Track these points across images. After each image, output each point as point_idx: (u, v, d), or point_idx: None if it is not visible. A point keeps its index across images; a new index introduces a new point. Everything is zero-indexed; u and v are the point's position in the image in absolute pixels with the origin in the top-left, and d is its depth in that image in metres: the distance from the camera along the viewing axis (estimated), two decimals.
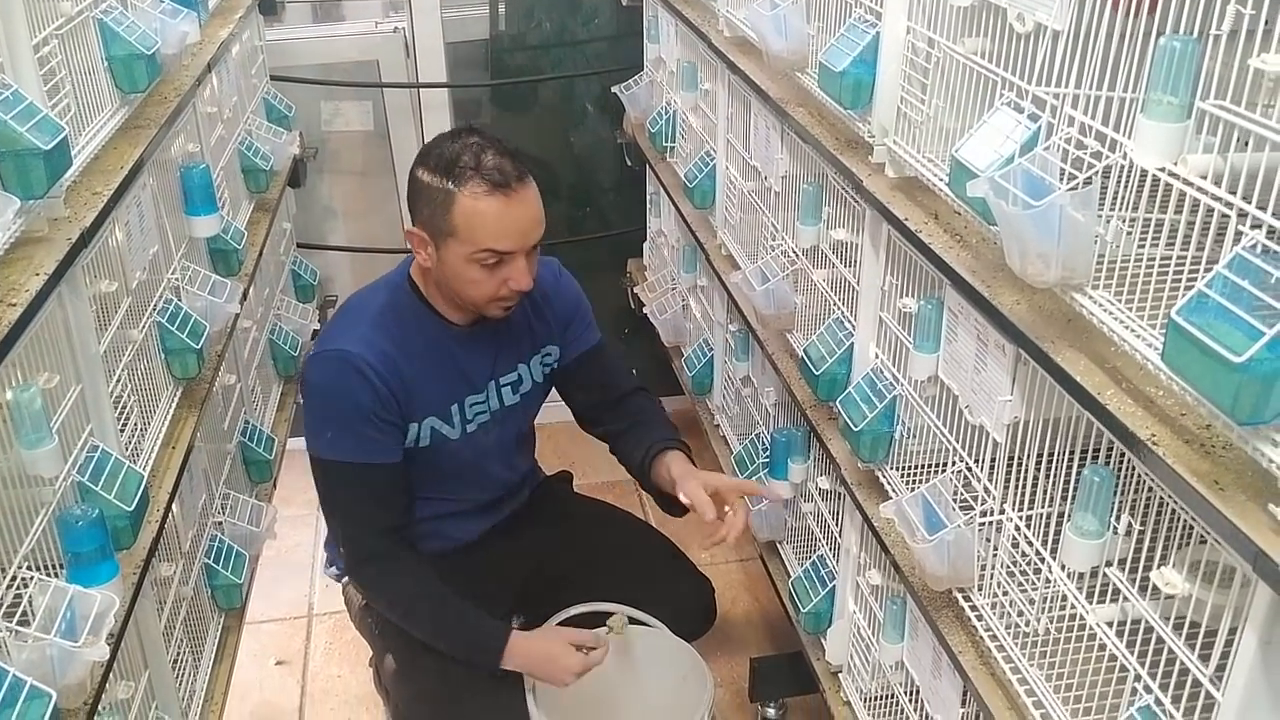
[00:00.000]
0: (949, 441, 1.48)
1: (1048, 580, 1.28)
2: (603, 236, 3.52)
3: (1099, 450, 1.22)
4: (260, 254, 2.49)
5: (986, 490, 1.38)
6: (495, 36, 3.32)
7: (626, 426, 2.05)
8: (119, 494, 1.45)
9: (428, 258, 1.82)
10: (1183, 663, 1.05)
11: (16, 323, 1.22)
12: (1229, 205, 0.91)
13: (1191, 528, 1.03)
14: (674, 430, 2.05)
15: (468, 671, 1.90)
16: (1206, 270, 0.88)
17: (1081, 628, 1.27)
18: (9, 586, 1.24)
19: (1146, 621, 1.12)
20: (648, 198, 3.27)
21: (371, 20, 3.25)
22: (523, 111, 3.48)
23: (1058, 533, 1.25)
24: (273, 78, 3.06)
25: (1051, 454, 1.29)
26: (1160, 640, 1.09)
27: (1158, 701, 1.08)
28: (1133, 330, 1.03)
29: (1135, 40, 1.05)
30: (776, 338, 2.10)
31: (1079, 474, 1.18)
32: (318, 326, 2.98)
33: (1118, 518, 1.17)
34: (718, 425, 2.69)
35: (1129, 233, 1.11)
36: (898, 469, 1.65)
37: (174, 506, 1.76)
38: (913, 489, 1.49)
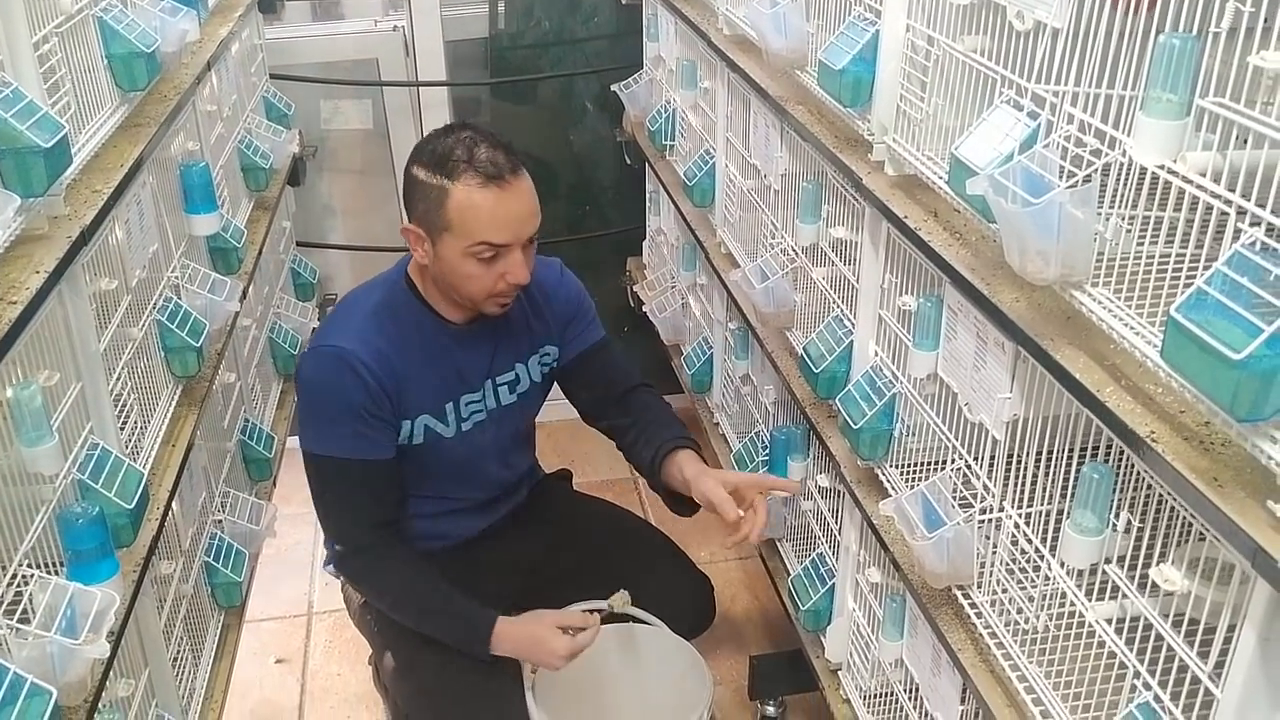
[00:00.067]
0: (948, 439, 1.48)
1: (1047, 577, 1.28)
2: (602, 235, 3.52)
3: (1098, 447, 1.22)
4: (260, 252, 2.49)
5: (986, 488, 1.38)
6: (495, 35, 3.32)
7: (631, 423, 2.04)
8: (119, 492, 1.46)
9: (424, 254, 1.82)
10: (1182, 660, 1.05)
11: (17, 320, 1.23)
12: (1228, 202, 0.91)
13: (1191, 525, 1.03)
14: (682, 427, 2.04)
15: (467, 669, 1.90)
16: (1206, 268, 0.88)
17: (1081, 625, 1.27)
18: (10, 584, 1.24)
19: (1146, 618, 1.12)
20: (647, 196, 3.27)
21: (371, 18, 3.25)
22: (522, 110, 3.48)
23: (1057, 530, 1.25)
24: (272, 76, 3.06)
25: (1051, 451, 1.29)
26: (1159, 637, 1.09)
27: (1157, 698, 1.08)
28: (1132, 327, 1.03)
29: (1134, 38, 1.05)
30: (776, 336, 2.10)
31: (1078, 471, 1.18)
32: (317, 325, 2.98)
33: (1117, 515, 1.17)
34: (717, 423, 2.70)
35: (1128, 230, 1.12)
36: (897, 467, 1.65)
37: (174, 504, 1.76)
38: (912, 487, 1.49)
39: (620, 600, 1.93)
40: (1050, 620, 1.32)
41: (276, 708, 2.53)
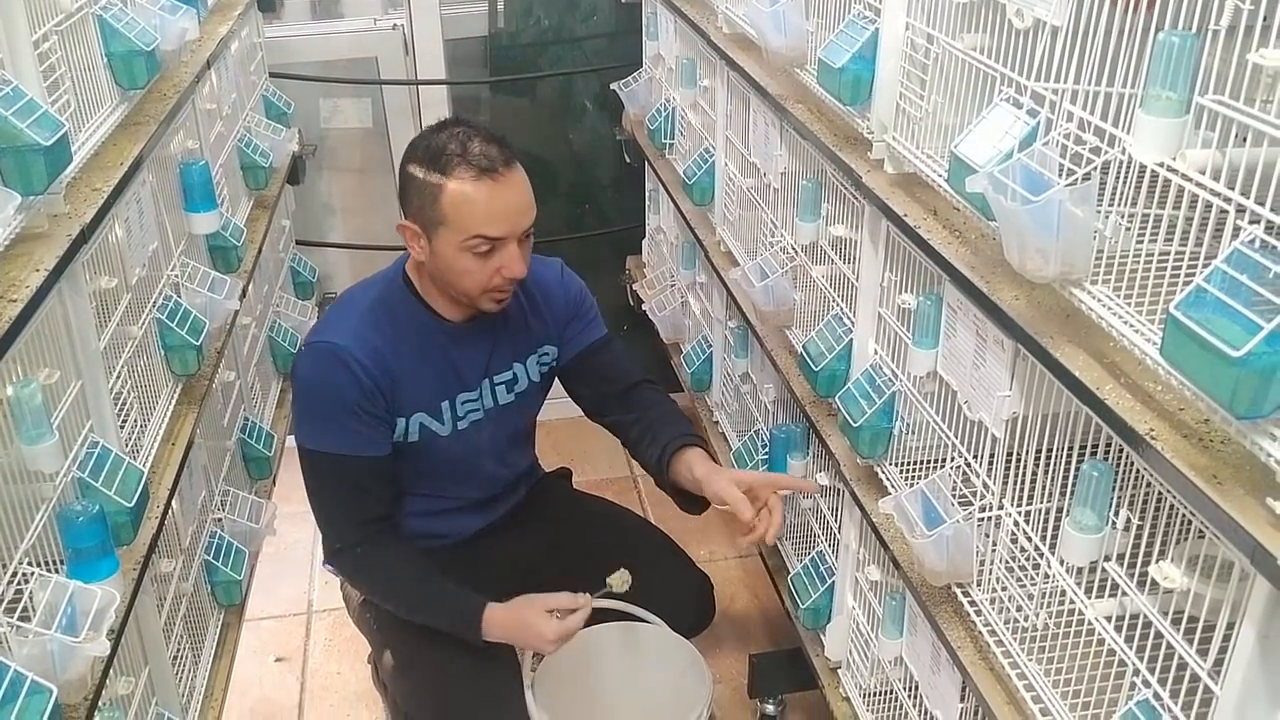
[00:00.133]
0: (948, 437, 1.48)
1: (1046, 575, 1.29)
2: (602, 233, 3.52)
3: (1097, 445, 1.22)
4: (259, 251, 2.49)
5: (985, 486, 1.38)
6: (494, 33, 3.32)
7: (635, 420, 2.04)
8: (119, 490, 1.46)
9: (421, 250, 1.82)
10: (1181, 657, 1.05)
11: (17, 319, 1.23)
12: (1227, 200, 0.91)
13: (1190, 522, 1.03)
14: (688, 424, 2.04)
15: (466, 667, 1.90)
16: (1205, 265, 0.88)
17: (1080, 622, 1.27)
18: (10, 582, 1.24)
19: (1145, 616, 1.12)
20: (647, 194, 3.27)
21: (370, 17, 3.25)
22: (522, 108, 3.48)
23: (1056, 528, 1.25)
24: (271, 75, 3.06)
25: (1050, 449, 1.29)
26: (1159, 635, 1.09)
27: (1156, 696, 1.08)
28: (1131, 325, 1.03)
29: (1134, 35, 1.05)
30: (775, 334, 2.10)
31: (1078, 469, 1.18)
32: None
33: (1116, 512, 1.17)
34: (717, 422, 2.70)
35: (1128, 228, 1.12)
36: (897, 465, 1.65)
37: (174, 503, 1.76)
38: (912, 485, 1.49)
39: (619, 580, 1.91)
40: (1050, 618, 1.32)
41: (276, 706, 2.53)
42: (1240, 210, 0.90)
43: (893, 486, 1.63)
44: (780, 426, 2.14)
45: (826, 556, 2.01)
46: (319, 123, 3.30)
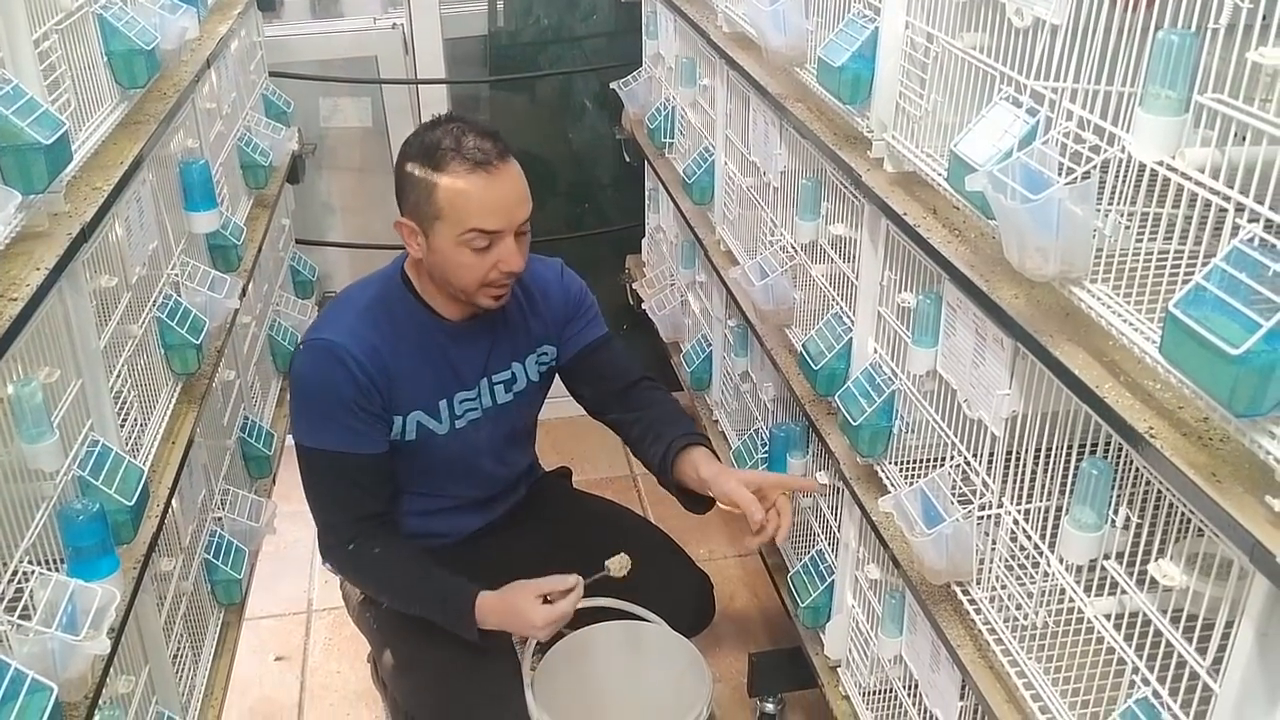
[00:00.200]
0: (947, 436, 1.48)
1: (1046, 573, 1.29)
2: (601, 232, 3.52)
3: (1097, 443, 1.22)
4: (259, 250, 2.49)
5: (985, 484, 1.39)
6: (494, 32, 3.32)
7: (636, 419, 2.04)
8: (119, 489, 1.46)
9: (418, 247, 1.83)
10: (1180, 655, 1.05)
11: (17, 317, 1.23)
12: (1226, 199, 0.91)
13: (1189, 520, 1.04)
14: (690, 422, 2.04)
15: (466, 666, 1.90)
16: (1204, 264, 0.88)
17: (1079, 620, 1.27)
18: (10, 581, 1.24)
19: (1144, 614, 1.12)
20: (646, 193, 3.27)
21: (370, 16, 3.26)
22: (521, 108, 3.48)
23: (1056, 526, 1.25)
24: (271, 74, 3.06)
25: (1050, 448, 1.29)
26: (1158, 633, 1.09)
27: (1155, 694, 1.08)
28: (1131, 324, 1.03)
29: (1133, 34, 1.05)
30: (775, 333, 2.10)
31: (1077, 467, 1.18)
32: None
33: (1116, 510, 1.17)
34: (716, 420, 2.70)
35: (1127, 226, 1.12)
36: (896, 463, 1.65)
37: (174, 502, 1.76)
38: (911, 483, 1.49)
39: (618, 564, 1.89)
40: (1049, 616, 1.32)
41: (276, 705, 2.53)
42: (1239, 208, 0.90)
43: (892, 485, 1.63)
44: (780, 425, 2.14)
45: (826, 555, 2.01)
46: (319, 122, 3.31)
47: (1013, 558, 1.36)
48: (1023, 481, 1.33)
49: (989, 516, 1.38)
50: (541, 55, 3.39)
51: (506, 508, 2.15)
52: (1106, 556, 1.18)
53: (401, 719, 2.18)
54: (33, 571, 1.27)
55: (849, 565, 1.89)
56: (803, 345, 1.86)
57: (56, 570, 1.32)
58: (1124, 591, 1.15)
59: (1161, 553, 1.09)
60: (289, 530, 2.72)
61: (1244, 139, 0.90)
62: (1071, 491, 1.19)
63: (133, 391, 1.69)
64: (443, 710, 1.95)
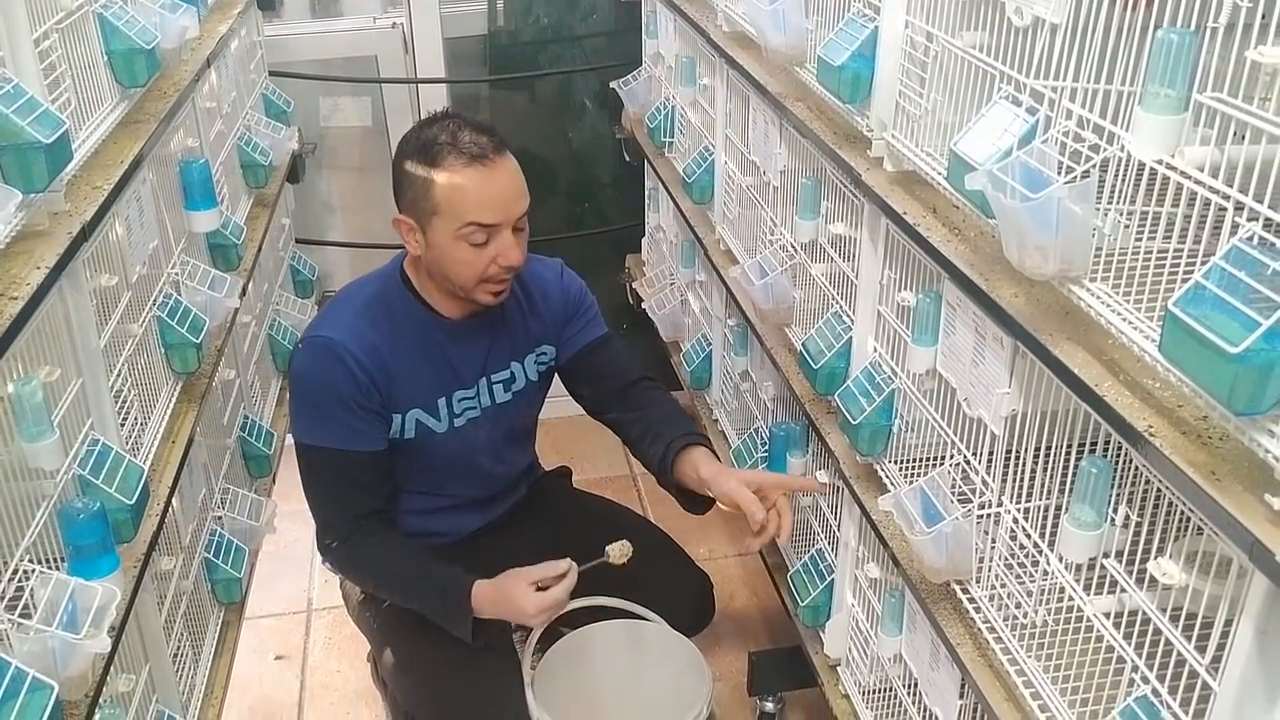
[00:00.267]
0: (947, 434, 1.48)
1: (1045, 572, 1.29)
2: (601, 232, 3.53)
3: (1096, 442, 1.23)
4: (259, 249, 2.49)
5: (984, 483, 1.39)
6: (494, 32, 3.32)
7: (635, 419, 2.04)
8: (120, 487, 1.46)
9: (417, 244, 1.83)
10: (1180, 653, 1.06)
11: (18, 316, 1.23)
12: (1226, 197, 0.92)
13: (1189, 518, 1.04)
14: (690, 422, 2.03)
15: (466, 664, 1.90)
16: (1204, 262, 0.88)
17: (1079, 619, 1.27)
18: (11, 579, 1.24)
19: (1144, 612, 1.12)
20: (646, 193, 3.27)
21: (370, 15, 3.26)
22: (521, 107, 3.48)
23: (1055, 525, 1.25)
24: (271, 73, 3.06)
25: (1049, 446, 1.29)
26: (1157, 631, 1.09)
27: (1155, 692, 1.08)
28: (1130, 322, 1.03)
29: (1133, 33, 1.05)
30: (775, 332, 2.10)
31: (1077, 466, 1.18)
32: None
33: (1115, 509, 1.17)
34: (716, 420, 2.70)
35: (1127, 225, 1.12)
36: (896, 462, 1.66)
37: (174, 501, 1.76)
38: (911, 482, 1.50)
39: (619, 551, 1.89)
40: (1049, 615, 1.32)
41: (276, 704, 2.53)
42: (1239, 207, 0.90)
43: (892, 484, 1.63)
44: (780, 424, 2.14)
45: (826, 554, 2.01)
46: (319, 121, 3.31)
47: (1012, 556, 1.36)
48: (1022, 480, 1.33)
49: (988, 515, 1.38)
50: (541, 54, 3.39)
51: (506, 507, 2.15)
52: (1106, 555, 1.18)
53: (401, 718, 2.18)
54: (33, 570, 1.27)
55: (849, 564, 1.89)
56: (802, 344, 1.86)
57: (57, 569, 1.32)
58: (1123, 590, 1.16)
59: (1161, 551, 1.09)
60: (289, 529, 2.72)
61: (1243, 138, 0.90)
62: (1071, 490, 1.19)
63: (133, 390, 1.69)
64: (443, 709, 1.95)
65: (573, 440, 3.11)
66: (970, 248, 1.35)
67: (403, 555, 1.91)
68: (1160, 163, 0.99)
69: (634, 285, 3.24)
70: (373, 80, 3.24)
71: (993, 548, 1.38)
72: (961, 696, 1.49)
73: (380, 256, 3.07)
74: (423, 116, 1.86)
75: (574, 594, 1.93)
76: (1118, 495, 1.18)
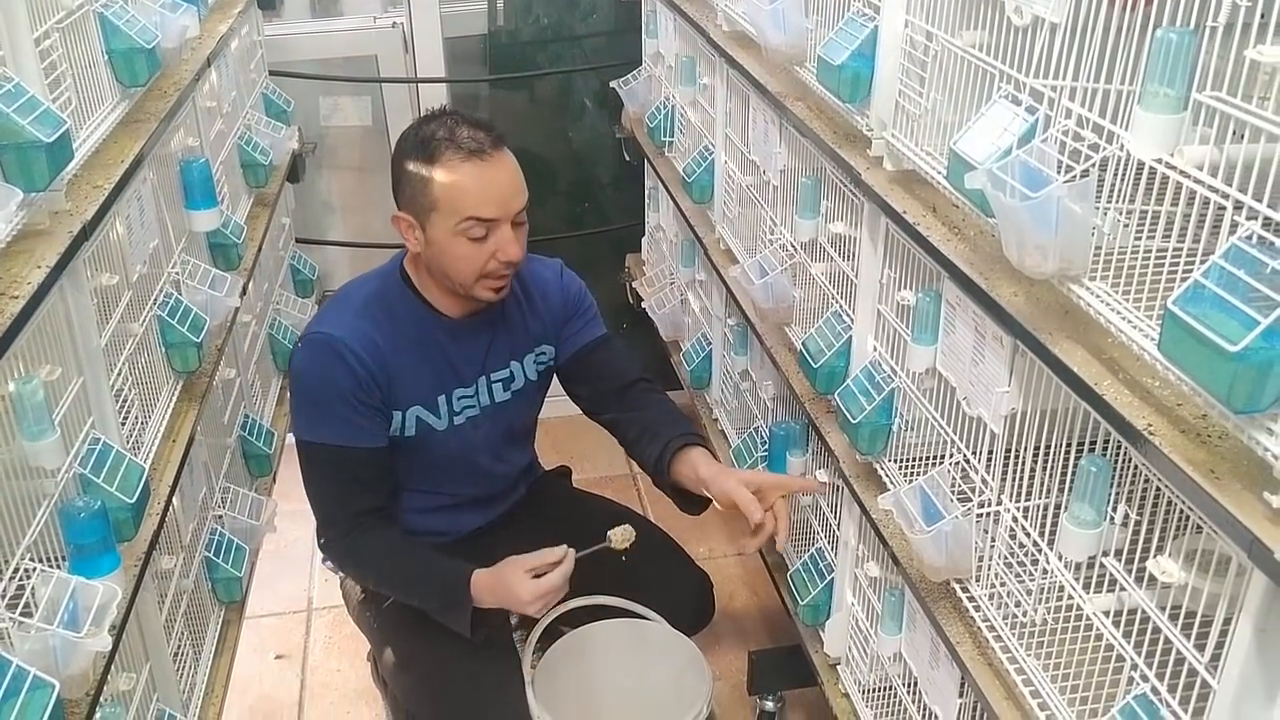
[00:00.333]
0: (947, 433, 1.48)
1: (1045, 570, 1.29)
2: (601, 231, 3.53)
3: (1095, 441, 1.23)
4: (260, 249, 2.49)
5: (984, 481, 1.39)
6: (494, 31, 3.32)
7: (632, 419, 2.04)
8: (120, 486, 1.46)
9: (416, 241, 1.83)
10: (1179, 651, 1.06)
11: (19, 315, 1.23)
12: (1225, 196, 0.92)
13: (1188, 517, 1.04)
14: (688, 423, 2.04)
15: (467, 663, 1.90)
16: (1203, 261, 0.88)
17: (1078, 617, 1.27)
18: (12, 578, 1.24)
19: (1143, 610, 1.12)
20: (646, 192, 3.27)
21: (370, 15, 3.26)
22: (521, 107, 3.48)
23: (1055, 523, 1.25)
24: (271, 73, 3.06)
25: (1049, 445, 1.30)
26: (1157, 629, 1.09)
27: (1154, 690, 1.08)
28: (1129, 321, 1.04)
29: (1132, 32, 1.05)
30: (775, 331, 2.10)
31: (1076, 464, 1.18)
32: None
33: (1114, 508, 1.17)
34: (716, 419, 2.70)
35: (1126, 224, 1.12)
36: (896, 461, 1.66)
37: (175, 500, 1.76)
38: (911, 481, 1.50)
39: (621, 536, 1.88)
40: (1048, 613, 1.32)
41: (276, 703, 2.53)
42: (1238, 206, 0.90)
43: (892, 483, 1.64)
44: (780, 424, 2.14)
45: (825, 553, 2.01)
46: (319, 121, 3.31)
47: (1012, 555, 1.37)
48: (1022, 479, 1.33)
49: (988, 514, 1.38)
50: (541, 54, 3.40)
51: (506, 506, 2.15)
52: (1105, 553, 1.18)
53: (402, 717, 2.19)
54: (34, 569, 1.27)
55: (848, 563, 1.89)
56: (802, 343, 1.86)
57: (58, 567, 1.32)
58: (1123, 588, 1.16)
59: (1160, 549, 1.09)
60: (289, 529, 2.72)
61: (1242, 136, 0.90)
62: (1070, 488, 1.19)
63: (134, 389, 1.69)
64: (443, 708, 1.95)
65: (572, 440, 3.12)
66: (970, 247, 1.35)
67: (402, 550, 1.91)
68: (1160, 161, 0.99)
69: (634, 285, 3.24)
70: (373, 80, 3.24)
71: (992, 546, 1.39)
72: (961, 695, 1.49)
73: (380, 256, 3.07)
74: (422, 114, 1.87)
75: (576, 588, 1.93)
76: (1117, 494, 1.18)
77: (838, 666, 1.98)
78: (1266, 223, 0.86)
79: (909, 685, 1.71)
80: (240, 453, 2.43)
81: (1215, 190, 0.93)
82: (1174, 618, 1.08)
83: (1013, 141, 1.14)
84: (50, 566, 1.30)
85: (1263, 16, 0.88)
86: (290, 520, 2.59)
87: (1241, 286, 0.83)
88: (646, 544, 2.18)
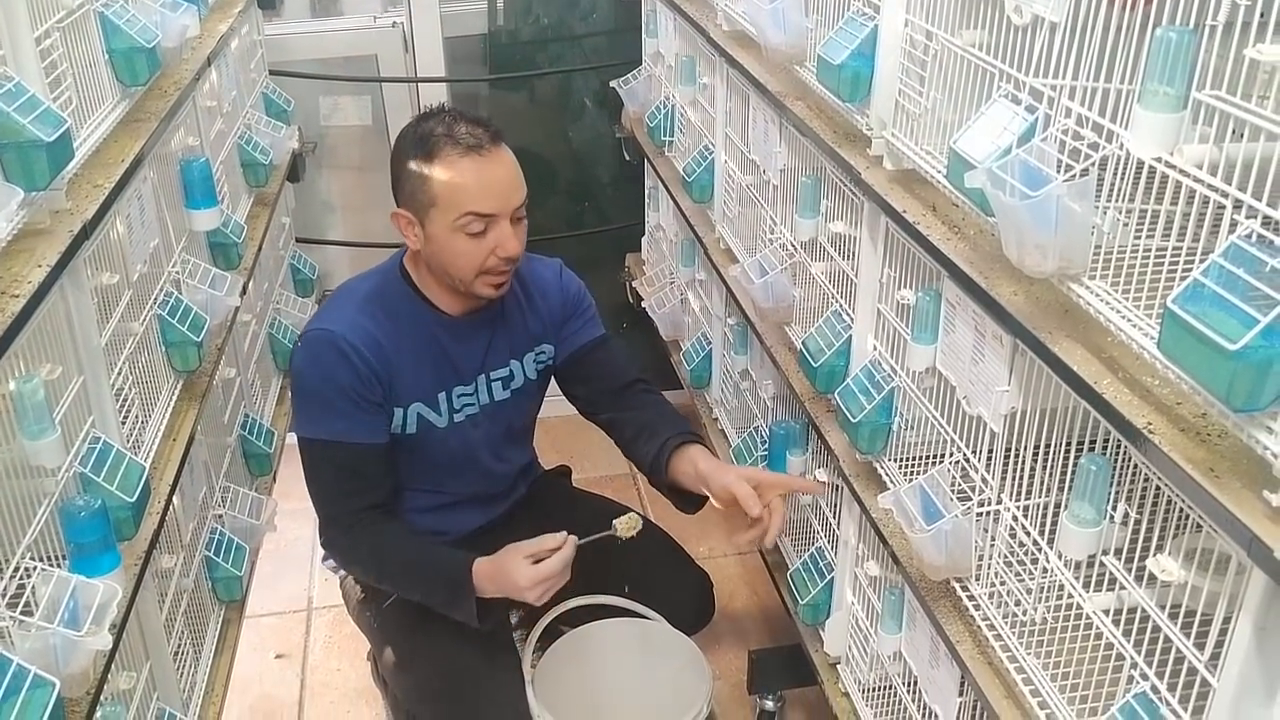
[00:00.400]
0: (947, 432, 1.48)
1: (1045, 569, 1.29)
2: (601, 231, 3.53)
3: (1095, 439, 1.23)
4: (260, 248, 2.49)
5: (984, 480, 1.39)
6: (494, 31, 3.32)
7: (629, 419, 2.04)
8: (121, 485, 1.46)
9: (415, 238, 1.83)
10: (1179, 650, 1.06)
11: (19, 314, 1.23)
12: (1224, 195, 0.92)
13: (1188, 515, 1.04)
14: (685, 422, 2.04)
15: (467, 663, 1.90)
16: (1202, 260, 0.88)
17: (1078, 616, 1.27)
18: (13, 577, 1.25)
19: (1143, 609, 1.12)
20: (646, 192, 3.27)
21: (370, 14, 3.26)
22: (521, 106, 3.48)
23: (1055, 522, 1.26)
24: (272, 72, 3.06)
25: (1048, 444, 1.30)
26: (1157, 628, 1.09)
27: (1154, 689, 1.08)
28: (1129, 320, 1.04)
29: (1132, 31, 1.05)
30: (775, 331, 2.10)
31: (1076, 463, 1.18)
32: None
33: (1114, 506, 1.17)
34: (716, 418, 2.70)
35: (1125, 223, 1.12)
36: (896, 460, 1.66)
37: (175, 499, 1.77)
38: (910, 480, 1.50)
39: (626, 524, 1.88)
40: (1048, 612, 1.33)
41: (276, 703, 2.54)
42: (1237, 205, 0.90)
43: (892, 482, 1.64)
44: (780, 423, 2.15)
45: (825, 552, 2.01)
46: (319, 120, 3.31)
47: (1012, 554, 1.37)
48: (1022, 478, 1.33)
49: (988, 513, 1.38)
50: (541, 54, 3.40)
51: (506, 506, 2.15)
52: (1105, 552, 1.18)
53: (402, 716, 2.19)
54: (35, 567, 1.27)
55: (848, 562, 1.89)
56: (802, 343, 1.86)
57: (58, 566, 1.32)
58: (1122, 587, 1.16)
59: (1160, 548, 1.09)
60: (289, 528, 2.73)
61: (1242, 135, 0.90)
62: (1070, 487, 1.19)
63: (134, 389, 1.69)
64: (443, 707, 1.95)
65: (572, 439, 3.12)
66: (970, 246, 1.35)
67: (404, 545, 1.91)
68: (1159, 160, 0.99)
69: (634, 284, 3.24)
70: (373, 79, 3.24)
71: (992, 545, 1.39)
72: (961, 694, 1.50)
73: (380, 255, 3.05)
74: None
75: (576, 584, 1.92)
76: (1117, 492, 1.18)
77: (838, 666, 1.98)
78: (1266, 221, 0.86)
79: (909, 684, 1.71)
80: (240, 452, 2.44)
81: (1215, 189, 0.93)
82: (1174, 616, 1.08)
83: (1012, 140, 1.14)
84: (51, 565, 1.30)
85: (1262, 15, 0.89)
86: (290, 519, 2.59)
87: (1241, 285, 0.83)
88: (647, 543, 2.18)
